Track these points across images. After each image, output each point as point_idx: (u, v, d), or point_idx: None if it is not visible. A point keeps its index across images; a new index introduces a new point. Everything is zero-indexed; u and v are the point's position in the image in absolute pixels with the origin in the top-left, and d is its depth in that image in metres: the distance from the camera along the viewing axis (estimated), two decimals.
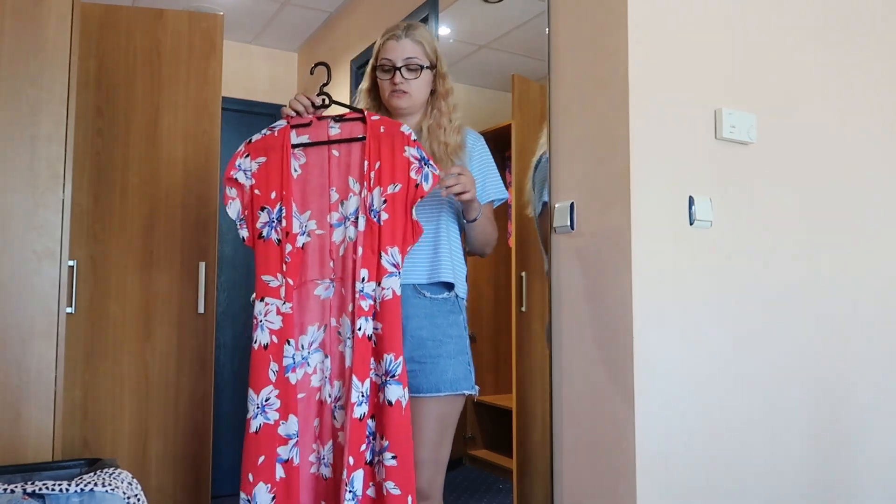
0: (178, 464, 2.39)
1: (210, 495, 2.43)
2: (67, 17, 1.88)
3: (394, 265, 1.63)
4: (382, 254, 1.64)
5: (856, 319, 2.16)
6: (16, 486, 1.38)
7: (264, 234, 1.70)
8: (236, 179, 1.73)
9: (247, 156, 1.74)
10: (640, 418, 1.73)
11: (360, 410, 1.60)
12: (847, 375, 2.13)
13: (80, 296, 2.31)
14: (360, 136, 1.72)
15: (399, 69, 1.78)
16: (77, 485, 1.39)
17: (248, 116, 4.11)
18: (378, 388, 1.62)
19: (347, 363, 1.65)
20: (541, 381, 2.12)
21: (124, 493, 1.44)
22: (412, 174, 1.66)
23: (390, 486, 1.58)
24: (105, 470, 1.49)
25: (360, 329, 1.62)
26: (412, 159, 1.67)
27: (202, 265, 2.47)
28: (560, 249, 2.00)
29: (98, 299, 2.35)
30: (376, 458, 1.62)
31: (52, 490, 1.37)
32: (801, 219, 2.08)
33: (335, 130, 1.74)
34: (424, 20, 2.82)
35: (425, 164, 1.66)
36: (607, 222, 1.84)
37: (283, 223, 1.69)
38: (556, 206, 2.00)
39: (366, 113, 1.75)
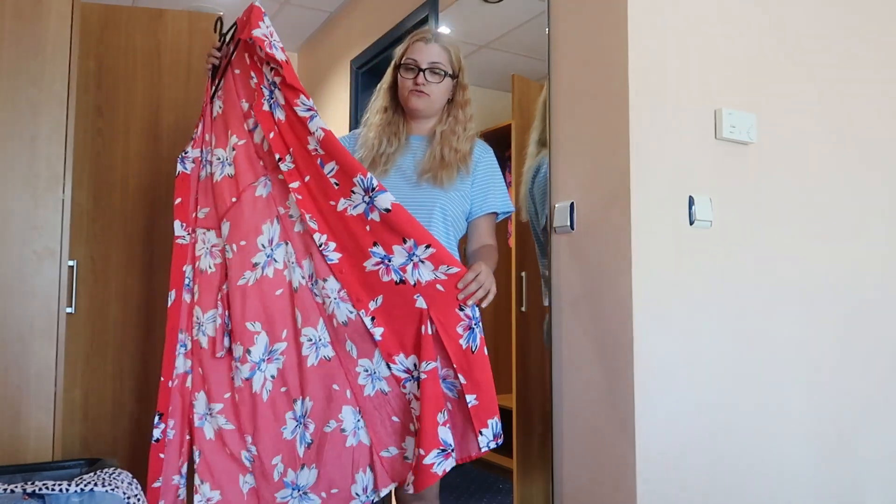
0: None
1: None
2: (67, 17, 1.88)
3: (309, 109, 1.67)
4: (295, 108, 1.66)
5: (856, 319, 2.16)
6: (16, 486, 1.38)
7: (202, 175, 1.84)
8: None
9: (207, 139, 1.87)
10: (640, 418, 1.73)
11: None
12: (848, 375, 2.13)
13: (80, 296, 2.31)
14: (238, 39, 1.78)
15: (423, 71, 1.81)
16: (77, 485, 1.40)
17: None
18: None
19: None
20: (541, 381, 2.12)
21: (124, 493, 1.44)
22: (269, 49, 1.70)
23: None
24: (105, 470, 1.49)
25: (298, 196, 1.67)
26: (266, 32, 1.71)
27: None
28: (560, 249, 2.00)
29: (98, 299, 2.35)
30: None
31: (52, 490, 1.37)
32: (801, 219, 2.08)
33: (232, 52, 1.83)
34: (424, 20, 2.82)
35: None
36: (607, 222, 1.84)
37: (212, 168, 1.80)
38: (556, 206, 2.00)
39: (236, 21, 1.79)
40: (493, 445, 1.58)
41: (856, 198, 2.20)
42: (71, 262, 1.94)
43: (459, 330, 1.58)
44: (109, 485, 1.43)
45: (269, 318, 1.68)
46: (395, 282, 1.59)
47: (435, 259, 1.58)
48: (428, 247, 1.58)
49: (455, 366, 1.58)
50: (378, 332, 1.61)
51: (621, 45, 1.82)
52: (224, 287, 1.72)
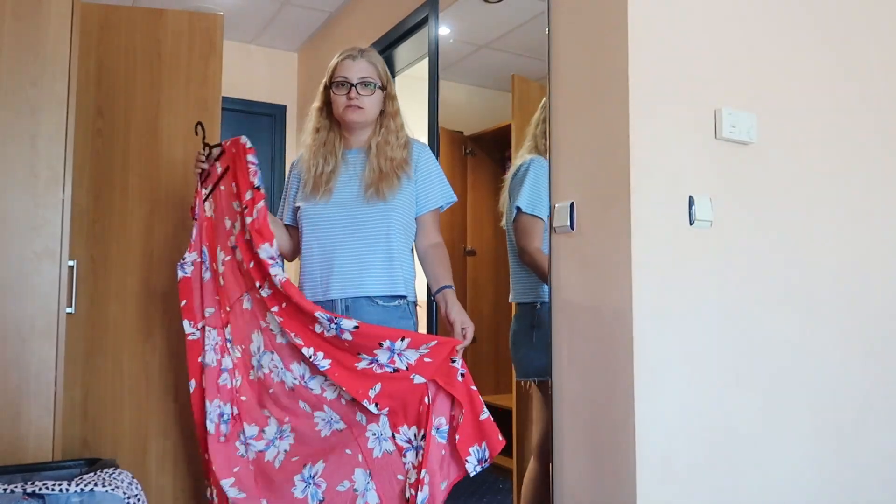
0: (178, 464, 2.38)
1: None
2: (67, 18, 1.88)
3: (271, 257, 1.79)
4: (258, 251, 1.79)
5: (857, 318, 2.16)
6: (16, 486, 1.38)
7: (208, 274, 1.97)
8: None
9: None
10: (640, 418, 1.73)
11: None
12: (848, 374, 2.13)
13: (80, 296, 2.31)
14: (226, 167, 1.95)
15: (354, 86, 1.90)
16: (77, 485, 1.40)
17: (248, 116, 4.11)
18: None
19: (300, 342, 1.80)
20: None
21: (124, 493, 1.44)
22: (251, 178, 1.86)
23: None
24: (105, 470, 1.49)
25: (275, 313, 1.81)
26: (250, 164, 1.88)
27: None
28: (560, 249, 2.00)
29: (98, 299, 2.35)
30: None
31: (52, 490, 1.37)
32: (800, 219, 2.08)
33: (219, 170, 1.97)
34: (424, 20, 2.82)
35: (258, 167, 1.89)
36: (607, 222, 1.84)
37: (219, 267, 1.93)
38: (557, 206, 2.00)
39: (223, 144, 1.95)
40: (479, 469, 1.71)
41: (856, 197, 2.20)
42: (71, 262, 1.94)
43: (459, 378, 1.72)
44: (109, 485, 1.43)
45: (272, 411, 1.85)
46: (390, 372, 1.73)
47: (413, 344, 1.72)
48: (403, 339, 1.71)
49: (463, 406, 1.71)
50: (384, 412, 1.74)
51: (621, 45, 1.82)
52: (225, 381, 1.88)
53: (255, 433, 1.84)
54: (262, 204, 1.83)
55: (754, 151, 2.00)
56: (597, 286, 1.86)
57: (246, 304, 1.89)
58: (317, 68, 4.07)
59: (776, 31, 2.09)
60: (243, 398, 1.86)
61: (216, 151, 1.96)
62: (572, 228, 1.94)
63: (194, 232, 1.97)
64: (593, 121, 1.90)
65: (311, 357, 1.74)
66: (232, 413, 1.85)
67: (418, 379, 1.71)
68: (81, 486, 1.40)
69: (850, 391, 2.13)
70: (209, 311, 1.93)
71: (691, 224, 1.87)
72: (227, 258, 1.91)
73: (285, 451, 1.83)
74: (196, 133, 2.00)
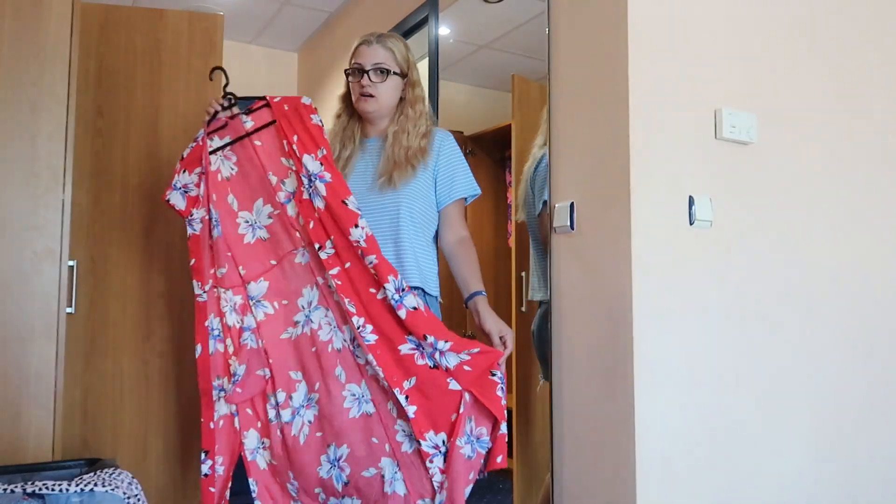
0: (178, 464, 2.38)
1: None
2: (67, 18, 1.88)
3: (357, 208, 1.74)
4: (347, 202, 1.74)
5: (856, 318, 2.16)
6: (16, 486, 1.38)
7: (211, 233, 1.88)
8: (169, 200, 1.90)
9: (184, 171, 1.90)
10: (640, 418, 1.73)
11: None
12: (848, 374, 2.13)
13: (80, 296, 2.31)
14: (271, 120, 1.86)
15: (367, 72, 1.86)
16: (77, 485, 1.39)
17: None
18: (398, 305, 1.70)
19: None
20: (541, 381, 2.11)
21: (124, 493, 1.44)
22: (322, 136, 1.81)
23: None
24: (105, 470, 1.49)
25: (331, 286, 1.76)
26: (320, 124, 1.83)
27: None
28: (560, 249, 2.00)
29: (98, 299, 2.35)
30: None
31: (52, 490, 1.37)
32: (800, 219, 2.08)
33: (249, 123, 1.88)
34: (424, 20, 2.82)
35: (322, 124, 1.83)
36: (607, 222, 1.84)
37: (217, 223, 1.86)
38: (557, 206, 2.00)
39: (268, 98, 1.87)
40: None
41: (856, 198, 2.20)
42: (71, 262, 1.94)
43: (499, 392, 1.69)
44: (109, 485, 1.43)
45: (306, 371, 1.81)
46: (430, 366, 1.69)
47: (455, 348, 1.68)
48: (447, 341, 1.67)
49: (497, 420, 1.69)
50: (411, 409, 1.69)
51: (621, 44, 1.82)
52: (246, 340, 1.84)
53: (283, 399, 1.80)
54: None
55: (754, 151, 2.00)
56: (597, 286, 1.86)
57: (299, 259, 1.83)
58: (317, 68, 4.07)
59: (776, 31, 2.08)
60: (271, 360, 1.81)
61: (231, 102, 1.89)
62: (572, 228, 1.94)
63: (202, 187, 1.87)
64: (593, 121, 1.90)
65: (359, 328, 1.70)
66: (264, 376, 1.81)
67: (454, 385, 1.68)
68: (81, 486, 1.40)
69: (850, 391, 2.13)
70: (221, 271, 1.85)
71: (691, 224, 1.87)
72: (276, 212, 1.85)
73: (309, 422, 1.78)
74: (211, 79, 1.94)
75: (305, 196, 1.79)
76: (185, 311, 2.45)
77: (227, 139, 1.89)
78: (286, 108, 1.85)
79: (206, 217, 1.87)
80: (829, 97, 2.18)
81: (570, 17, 2.01)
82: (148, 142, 2.45)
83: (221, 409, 1.84)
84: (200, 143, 1.89)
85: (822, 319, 2.09)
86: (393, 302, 1.68)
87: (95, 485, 1.41)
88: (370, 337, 1.71)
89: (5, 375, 1.75)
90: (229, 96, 1.89)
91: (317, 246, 1.76)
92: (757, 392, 1.95)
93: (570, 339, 1.94)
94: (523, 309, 2.32)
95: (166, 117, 2.48)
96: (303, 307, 1.82)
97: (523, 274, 2.33)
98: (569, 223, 1.94)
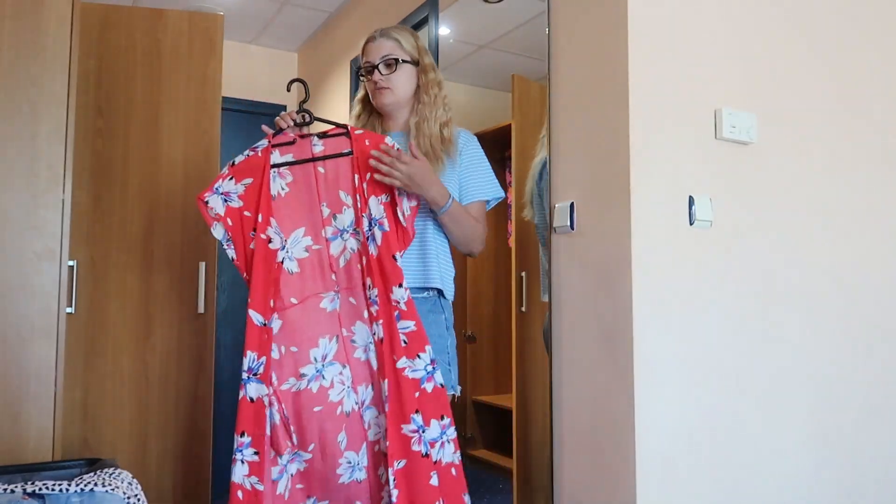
0: (178, 464, 2.38)
1: (210, 495, 2.43)
2: (67, 18, 1.88)
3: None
4: (397, 257, 1.68)
5: (856, 318, 2.16)
6: (16, 486, 1.38)
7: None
8: (207, 203, 1.75)
9: (230, 178, 1.77)
10: (640, 418, 1.73)
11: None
12: (849, 374, 2.13)
13: (80, 296, 2.31)
14: (347, 150, 1.75)
15: (377, 67, 1.83)
16: (77, 485, 1.39)
17: (248, 116, 4.11)
18: (428, 378, 1.66)
19: (375, 366, 1.69)
20: (541, 381, 2.11)
21: (124, 493, 1.44)
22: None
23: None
24: (105, 470, 1.49)
25: (374, 334, 1.67)
26: None
27: (202, 265, 2.47)
28: (560, 249, 2.00)
29: (98, 299, 2.35)
30: (443, 437, 1.67)
31: (52, 490, 1.37)
32: (801, 218, 2.08)
33: (319, 147, 1.77)
34: (424, 20, 2.82)
35: None
36: (607, 222, 1.84)
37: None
38: (557, 206, 2.00)
39: (349, 128, 1.78)
40: None
41: (856, 197, 2.20)
42: (71, 262, 1.94)
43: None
44: (109, 485, 1.43)
45: (301, 430, 1.68)
46: (422, 454, 1.63)
47: (455, 443, 1.67)
48: (456, 429, 1.66)
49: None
50: (395, 494, 1.62)
51: (621, 44, 1.82)
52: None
53: (271, 455, 1.68)
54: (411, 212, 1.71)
55: (754, 151, 2.00)
56: (597, 286, 1.86)
57: (325, 304, 1.70)
58: (317, 68, 4.07)
59: (776, 31, 2.08)
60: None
61: (304, 119, 1.76)
62: (572, 228, 1.94)
63: (241, 201, 1.74)
64: (593, 121, 1.90)
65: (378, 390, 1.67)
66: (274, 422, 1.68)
67: (434, 480, 1.62)
68: (81, 486, 1.40)
69: (850, 391, 2.13)
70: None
71: (691, 224, 1.87)
72: (317, 247, 1.72)
73: (292, 475, 1.69)
74: (288, 90, 1.85)
75: (361, 238, 1.70)
76: (184, 311, 2.45)
77: (289, 157, 1.77)
78: (367, 142, 1.74)
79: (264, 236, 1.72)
80: (829, 97, 2.18)
81: (570, 16, 2.01)
82: (148, 142, 2.45)
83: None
84: (260, 155, 1.76)
85: (822, 319, 2.09)
86: (423, 374, 1.63)
87: (95, 485, 1.41)
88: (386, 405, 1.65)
89: (5, 375, 1.75)
90: (304, 113, 1.78)
91: (368, 282, 1.67)
92: (757, 392, 1.95)
93: (570, 338, 1.94)
94: (523, 309, 2.32)
95: (166, 117, 2.48)
96: (315, 360, 1.69)
97: (523, 274, 2.33)
98: (569, 223, 1.94)
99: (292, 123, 1.77)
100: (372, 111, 1.93)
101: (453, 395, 1.76)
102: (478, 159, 1.87)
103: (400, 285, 1.65)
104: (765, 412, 1.96)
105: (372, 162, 1.69)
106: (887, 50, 2.31)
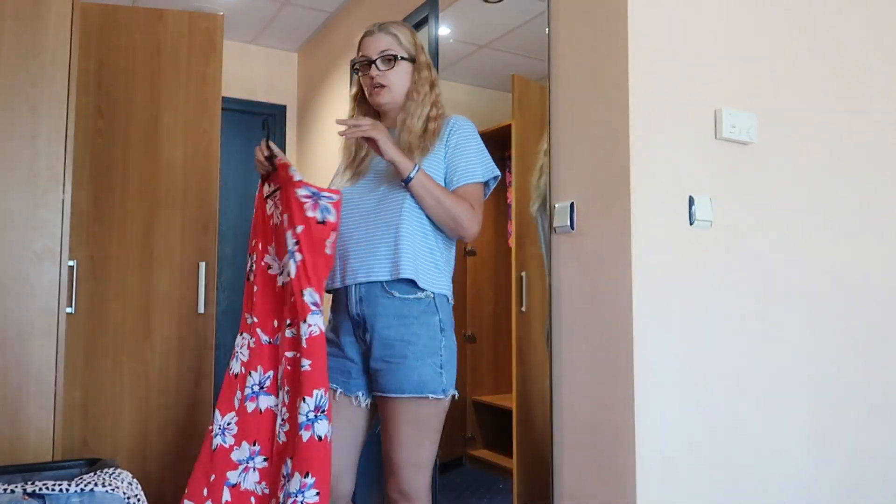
0: (178, 464, 2.38)
1: None
2: (67, 17, 1.88)
3: (314, 304, 1.64)
4: (304, 292, 1.65)
5: (856, 318, 2.16)
6: (16, 486, 1.38)
7: (250, 277, 1.85)
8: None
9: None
10: (640, 418, 1.73)
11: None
12: (849, 374, 2.13)
13: (80, 296, 2.31)
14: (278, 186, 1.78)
15: (374, 62, 1.79)
16: (77, 485, 1.39)
17: (248, 116, 4.11)
18: (307, 426, 1.62)
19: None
20: (541, 381, 2.11)
21: (124, 493, 1.44)
22: (308, 213, 1.66)
23: None
24: (105, 470, 1.49)
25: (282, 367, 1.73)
26: (303, 199, 1.67)
27: (202, 265, 2.47)
28: (560, 249, 2.00)
29: (98, 299, 2.35)
30: (299, 497, 1.60)
31: (52, 490, 1.37)
32: (801, 218, 2.08)
33: (298, 177, 1.79)
34: (424, 20, 2.82)
35: (319, 199, 1.67)
36: (607, 222, 1.84)
37: (254, 268, 1.83)
38: (557, 206, 2.00)
39: (277, 159, 1.76)
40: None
41: (856, 197, 2.20)
42: (71, 262, 1.94)
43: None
44: (109, 485, 1.43)
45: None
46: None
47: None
48: (318, 493, 1.60)
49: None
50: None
51: (621, 44, 1.82)
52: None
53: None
54: (333, 237, 1.68)
55: (754, 151, 2.00)
56: (597, 286, 1.86)
57: (288, 333, 1.73)
58: (317, 68, 4.07)
59: (776, 31, 2.09)
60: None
61: (276, 157, 1.77)
62: (572, 228, 1.94)
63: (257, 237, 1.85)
64: (593, 121, 1.90)
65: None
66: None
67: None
68: (81, 486, 1.40)
69: (850, 391, 2.13)
70: (252, 318, 1.82)
71: (691, 224, 1.87)
72: (288, 279, 1.74)
73: (255, 480, 1.78)
74: (264, 132, 1.88)
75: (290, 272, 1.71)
76: (184, 311, 2.45)
77: (270, 189, 1.83)
78: (283, 174, 1.73)
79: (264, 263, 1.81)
80: (829, 97, 2.18)
81: (570, 17, 2.01)
82: (148, 142, 2.45)
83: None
84: (259, 189, 1.86)
85: (822, 319, 2.09)
86: (304, 419, 1.60)
87: (95, 485, 1.41)
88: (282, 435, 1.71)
89: (5, 375, 1.75)
90: (268, 147, 1.78)
91: (287, 321, 1.72)
92: (757, 392, 1.95)
93: (570, 339, 1.94)
94: (523, 309, 2.32)
95: (166, 117, 2.48)
96: (253, 384, 1.78)
97: (523, 274, 2.33)
98: (569, 223, 1.94)
99: (262, 158, 1.78)
100: (367, 109, 1.88)
101: (452, 396, 1.74)
102: (465, 141, 1.77)
103: (304, 321, 1.63)
104: (765, 412, 1.96)
105: (339, 132, 1.68)
106: (887, 50, 2.31)
